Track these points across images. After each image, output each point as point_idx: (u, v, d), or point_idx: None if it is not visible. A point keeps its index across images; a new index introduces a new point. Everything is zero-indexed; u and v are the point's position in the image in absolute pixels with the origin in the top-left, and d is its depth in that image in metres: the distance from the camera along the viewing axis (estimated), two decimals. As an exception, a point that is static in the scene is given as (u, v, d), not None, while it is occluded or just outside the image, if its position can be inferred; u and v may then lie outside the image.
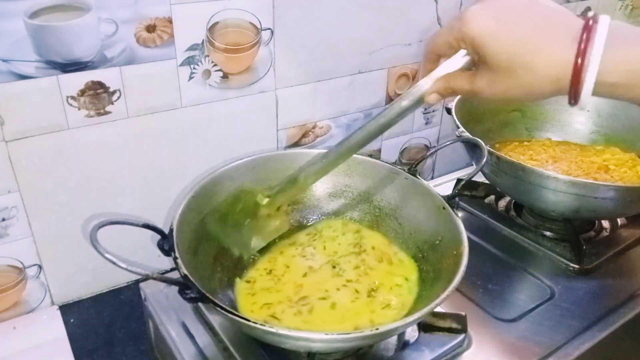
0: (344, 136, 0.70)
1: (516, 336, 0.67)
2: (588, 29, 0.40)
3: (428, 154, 0.81)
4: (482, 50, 0.44)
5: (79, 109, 0.65)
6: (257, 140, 0.81)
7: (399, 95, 0.96)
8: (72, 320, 0.74)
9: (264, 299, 0.64)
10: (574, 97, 0.42)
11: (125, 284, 0.78)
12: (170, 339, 0.66)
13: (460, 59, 0.48)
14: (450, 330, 0.65)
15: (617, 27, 0.41)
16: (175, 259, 0.55)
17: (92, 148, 0.68)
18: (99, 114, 0.67)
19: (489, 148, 0.73)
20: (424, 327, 0.65)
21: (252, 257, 0.71)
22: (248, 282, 0.67)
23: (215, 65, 0.73)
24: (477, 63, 0.47)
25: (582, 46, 0.40)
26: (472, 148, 0.81)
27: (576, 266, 0.79)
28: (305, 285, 0.66)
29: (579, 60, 0.40)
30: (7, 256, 0.68)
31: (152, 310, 0.71)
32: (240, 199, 0.67)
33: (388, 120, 0.55)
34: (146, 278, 0.49)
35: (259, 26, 0.74)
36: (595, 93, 0.41)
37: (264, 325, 0.50)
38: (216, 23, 0.70)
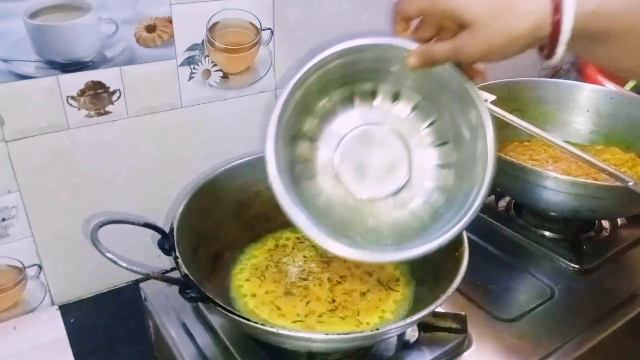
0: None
1: (516, 336, 0.67)
2: None
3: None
4: (457, 14, 0.45)
5: (79, 109, 0.65)
6: (257, 140, 0.81)
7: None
8: (72, 320, 0.74)
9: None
10: (554, 39, 0.44)
11: (125, 284, 0.78)
12: (170, 339, 0.66)
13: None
14: (450, 330, 0.65)
15: None
16: (175, 258, 0.55)
17: (92, 148, 0.68)
18: (99, 114, 0.67)
19: (489, 148, 0.73)
20: (424, 327, 0.65)
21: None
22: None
23: (215, 65, 0.73)
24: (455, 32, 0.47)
25: None
26: (472, 148, 0.81)
27: (576, 266, 0.79)
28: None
29: None
30: (7, 256, 0.68)
31: (152, 310, 0.71)
32: None
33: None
34: (146, 277, 0.49)
35: (259, 26, 0.74)
36: (575, 33, 0.43)
37: (264, 325, 0.50)
38: (216, 23, 0.70)
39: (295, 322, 0.62)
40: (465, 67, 0.51)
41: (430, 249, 0.52)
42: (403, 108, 0.58)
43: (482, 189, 0.52)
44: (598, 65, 0.47)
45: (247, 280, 0.68)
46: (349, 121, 0.58)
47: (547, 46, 0.45)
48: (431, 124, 0.58)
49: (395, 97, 0.58)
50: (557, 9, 0.43)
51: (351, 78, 0.56)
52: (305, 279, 0.68)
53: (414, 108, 0.58)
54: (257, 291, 0.66)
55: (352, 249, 0.51)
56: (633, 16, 0.43)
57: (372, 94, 0.58)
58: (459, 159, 0.57)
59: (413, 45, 0.50)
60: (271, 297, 0.65)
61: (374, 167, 0.58)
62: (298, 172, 0.58)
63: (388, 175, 0.58)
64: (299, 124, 0.57)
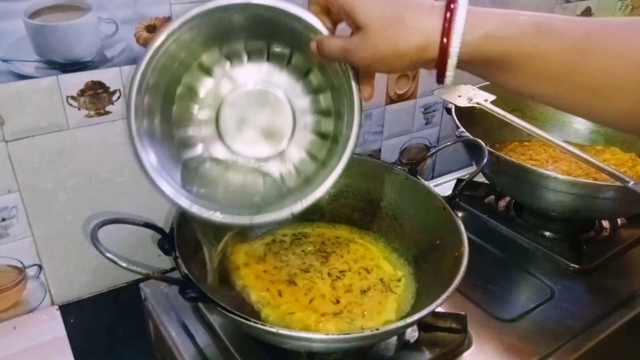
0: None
1: (516, 336, 0.67)
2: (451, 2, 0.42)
3: (428, 154, 0.81)
4: (353, 14, 0.45)
5: (79, 109, 0.65)
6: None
7: (399, 95, 0.96)
8: (72, 320, 0.74)
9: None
10: (442, 63, 0.43)
11: (125, 284, 0.78)
12: (170, 339, 0.66)
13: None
14: (450, 330, 0.65)
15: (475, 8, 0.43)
16: (175, 258, 0.55)
17: (92, 148, 0.68)
18: (99, 114, 0.67)
19: (489, 148, 0.73)
20: (424, 327, 0.65)
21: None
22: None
23: (215, 65, 0.73)
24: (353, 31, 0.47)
25: (448, 14, 0.42)
26: (473, 148, 0.81)
27: (576, 266, 0.79)
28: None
29: (447, 15, 0.42)
30: (7, 256, 0.68)
31: (152, 310, 0.71)
32: None
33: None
34: (146, 277, 0.49)
35: (259, 26, 0.74)
36: (467, 57, 0.42)
37: (264, 325, 0.50)
38: (216, 23, 0.70)
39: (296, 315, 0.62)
40: (360, 72, 0.51)
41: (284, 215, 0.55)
42: (300, 80, 0.58)
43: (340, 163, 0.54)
44: (507, 90, 0.46)
45: (246, 265, 0.67)
46: (247, 76, 0.58)
47: (437, 69, 0.44)
48: (316, 96, 0.59)
49: (303, 71, 0.58)
50: (446, 32, 0.42)
51: (261, 34, 0.56)
52: (306, 271, 0.68)
53: (315, 89, 0.58)
54: (258, 274, 0.66)
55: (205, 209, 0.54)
56: (533, 41, 0.41)
57: (280, 58, 0.58)
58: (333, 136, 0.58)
59: (322, 29, 0.49)
60: (271, 279, 0.65)
61: (257, 126, 0.59)
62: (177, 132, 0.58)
63: (266, 140, 0.59)
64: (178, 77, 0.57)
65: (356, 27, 0.46)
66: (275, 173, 0.60)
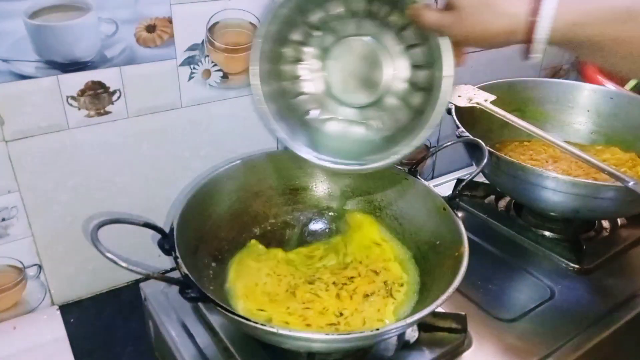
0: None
1: (516, 336, 0.67)
2: None
3: (428, 154, 0.81)
4: None
5: (79, 109, 0.65)
6: (257, 140, 0.81)
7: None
8: (72, 320, 0.74)
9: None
10: (528, 47, 0.46)
11: (125, 284, 0.78)
12: (170, 339, 0.66)
13: None
14: (450, 330, 0.65)
15: None
16: (175, 258, 0.55)
17: (92, 148, 0.68)
18: (99, 114, 0.67)
19: (489, 148, 0.73)
20: (424, 327, 0.65)
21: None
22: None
23: (215, 65, 0.73)
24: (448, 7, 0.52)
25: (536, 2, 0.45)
26: (473, 148, 0.81)
27: (576, 266, 0.79)
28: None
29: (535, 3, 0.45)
30: (7, 256, 0.68)
31: (152, 310, 0.71)
32: None
33: None
34: (146, 277, 0.49)
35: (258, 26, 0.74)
36: (551, 36, 0.45)
37: (264, 325, 0.50)
38: (216, 23, 0.70)
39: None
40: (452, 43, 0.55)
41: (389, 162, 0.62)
42: (397, 34, 0.63)
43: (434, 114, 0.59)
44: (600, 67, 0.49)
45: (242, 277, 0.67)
46: (348, 30, 0.65)
47: (524, 50, 0.47)
48: (412, 49, 0.64)
49: (400, 26, 0.62)
50: (533, 20, 0.44)
51: None
52: (311, 283, 0.67)
53: (410, 44, 0.63)
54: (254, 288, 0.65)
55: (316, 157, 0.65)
56: (625, 26, 0.43)
57: (379, 15, 0.63)
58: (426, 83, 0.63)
59: None
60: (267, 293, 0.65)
61: (358, 75, 0.67)
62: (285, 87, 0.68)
63: (366, 88, 0.67)
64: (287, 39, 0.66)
65: (450, 5, 0.50)
66: (374, 120, 0.68)
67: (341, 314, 0.62)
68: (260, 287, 0.65)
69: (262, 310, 0.61)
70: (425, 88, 0.63)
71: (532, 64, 0.49)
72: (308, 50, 0.67)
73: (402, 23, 0.62)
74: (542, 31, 0.45)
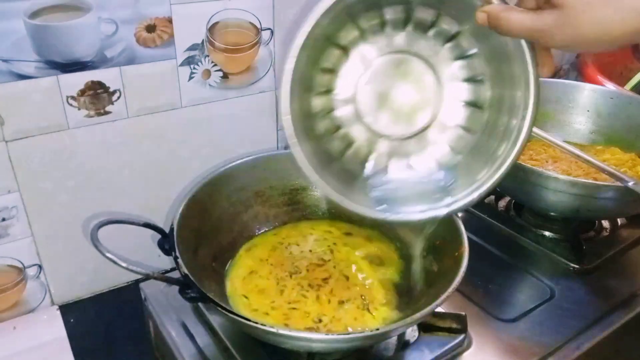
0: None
1: (516, 336, 0.67)
2: None
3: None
4: None
5: (79, 109, 0.65)
6: (257, 140, 0.81)
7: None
8: (72, 320, 0.74)
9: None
10: None
11: (125, 284, 0.78)
12: (170, 339, 0.66)
13: None
14: (450, 330, 0.65)
15: None
16: (175, 258, 0.55)
17: (92, 148, 0.68)
18: (99, 114, 0.67)
19: (489, 148, 0.73)
20: (424, 327, 0.65)
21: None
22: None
23: (215, 65, 0.73)
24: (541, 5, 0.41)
25: None
26: (472, 148, 0.81)
27: (576, 266, 0.79)
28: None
29: None
30: (7, 256, 0.68)
31: (152, 310, 0.71)
32: None
33: None
34: (146, 277, 0.49)
35: (259, 26, 0.74)
36: None
37: (264, 325, 0.50)
38: (216, 23, 0.70)
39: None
40: (538, 49, 0.44)
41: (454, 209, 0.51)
42: (451, 51, 0.51)
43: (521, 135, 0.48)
44: None
45: (244, 278, 0.68)
46: (385, 45, 0.51)
47: None
48: (473, 80, 0.52)
49: (448, 37, 0.50)
50: None
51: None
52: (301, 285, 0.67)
53: (463, 57, 0.51)
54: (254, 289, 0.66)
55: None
56: None
57: (421, 23, 0.50)
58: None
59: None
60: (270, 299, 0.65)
61: (398, 101, 0.52)
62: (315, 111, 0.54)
63: (409, 116, 0.53)
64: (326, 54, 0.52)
65: (550, 3, 0.39)
66: (428, 154, 0.54)
67: (320, 320, 0.62)
68: (255, 278, 0.67)
69: (246, 297, 0.63)
70: (491, 106, 0.51)
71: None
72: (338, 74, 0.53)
73: (453, 29, 0.49)
74: None
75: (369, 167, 0.55)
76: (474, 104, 0.52)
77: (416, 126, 0.53)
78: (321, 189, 0.51)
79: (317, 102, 0.53)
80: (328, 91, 0.53)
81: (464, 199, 0.51)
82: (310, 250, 0.72)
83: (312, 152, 0.51)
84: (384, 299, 0.65)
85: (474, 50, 0.50)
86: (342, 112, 0.54)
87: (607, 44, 0.38)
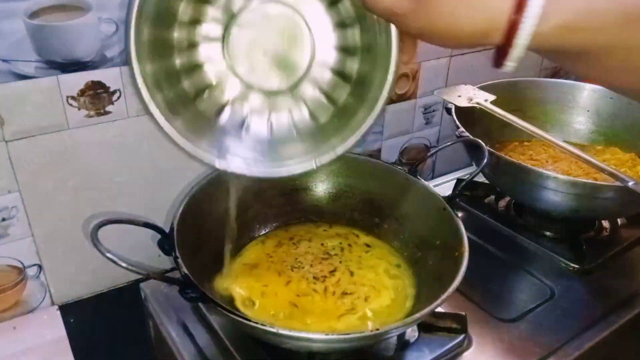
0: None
1: (516, 336, 0.67)
2: None
3: (428, 154, 0.81)
4: None
5: (79, 109, 0.65)
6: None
7: (399, 95, 0.96)
8: (72, 320, 0.74)
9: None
10: (504, 52, 0.37)
11: (126, 284, 0.78)
12: (170, 339, 0.66)
13: None
14: (450, 330, 0.65)
15: None
16: (176, 258, 0.55)
17: (92, 148, 0.68)
18: (99, 114, 0.67)
19: (489, 148, 0.73)
20: (424, 327, 0.65)
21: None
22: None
23: (215, 65, 0.73)
24: None
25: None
26: (473, 148, 0.81)
27: (576, 266, 0.79)
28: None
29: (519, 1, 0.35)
30: (7, 256, 0.68)
31: (152, 310, 0.71)
32: None
33: None
34: (147, 277, 0.49)
35: (259, 26, 0.74)
36: (534, 41, 0.36)
37: (264, 325, 0.50)
38: (216, 23, 0.70)
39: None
40: (401, 34, 0.43)
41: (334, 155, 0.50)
42: (327, 8, 0.50)
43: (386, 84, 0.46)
44: (580, 77, 0.39)
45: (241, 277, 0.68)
46: None
47: (496, 55, 0.38)
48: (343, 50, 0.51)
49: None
50: (515, 21, 0.35)
51: None
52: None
53: (342, 23, 0.50)
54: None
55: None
56: (619, 33, 0.35)
57: None
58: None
59: None
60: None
61: (269, 53, 0.51)
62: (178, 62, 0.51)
63: (279, 70, 0.52)
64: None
65: None
66: (285, 111, 0.54)
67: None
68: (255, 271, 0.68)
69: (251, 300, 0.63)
70: (355, 82, 0.51)
71: (506, 71, 0.39)
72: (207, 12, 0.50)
73: None
74: (525, 34, 0.35)
75: (225, 115, 0.54)
76: (340, 73, 0.52)
77: (280, 84, 0.52)
78: (159, 122, 0.49)
79: (178, 34, 0.50)
80: (192, 24, 0.50)
81: (300, 164, 0.51)
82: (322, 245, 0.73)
83: (157, 80, 0.48)
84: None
85: (349, 20, 0.49)
86: (205, 50, 0.52)
87: (453, 39, 0.38)
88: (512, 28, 0.36)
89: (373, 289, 0.66)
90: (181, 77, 0.51)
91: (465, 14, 0.36)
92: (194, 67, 0.52)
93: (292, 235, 0.75)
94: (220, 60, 0.52)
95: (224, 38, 0.51)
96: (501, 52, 0.37)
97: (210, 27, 0.50)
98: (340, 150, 0.50)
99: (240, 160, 0.52)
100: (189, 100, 0.52)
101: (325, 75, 0.52)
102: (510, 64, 0.38)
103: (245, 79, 0.52)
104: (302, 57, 0.51)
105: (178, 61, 0.51)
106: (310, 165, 0.51)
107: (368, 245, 0.74)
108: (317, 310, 0.63)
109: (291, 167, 0.52)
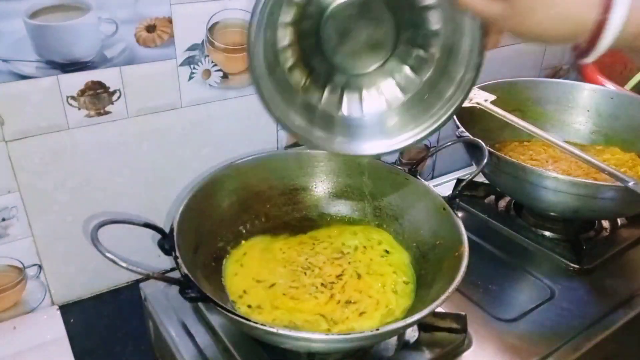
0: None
1: (516, 336, 0.67)
2: None
3: (429, 154, 0.81)
4: None
5: (79, 109, 0.65)
6: (257, 140, 0.81)
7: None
8: (72, 320, 0.74)
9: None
10: (595, 36, 0.41)
11: (126, 284, 0.78)
12: (170, 339, 0.66)
13: None
14: (450, 330, 0.65)
15: None
16: (175, 258, 0.55)
17: (92, 148, 0.68)
18: (99, 114, 0.67)
19: (489, 148, 0.73)
20: (424, 327, 0.65)
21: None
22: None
23: (215, 65, 0.73)
24: None
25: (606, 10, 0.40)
26: (473, 148, 0.81)
27: (576, 266, 0.79)
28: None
29: (605, 11, 0.40)
30: (7, 256, 0.68)
31: (152, 310, 0.71)
32: None
33: None
34: (147, 277, 0.49)
35: (259, 26, 0.74)
36: (615, 43, 0.41)
37: (264, 325, 0.50)
38: (216, 23, 0.70)
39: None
40: (490, 30, 0.50)
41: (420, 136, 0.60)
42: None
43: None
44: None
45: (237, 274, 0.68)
46: None
47: (580, 52, 0.43)
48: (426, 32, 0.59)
49: None
50: (599, 29, 0.40)
51: None
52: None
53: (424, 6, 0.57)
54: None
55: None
56: None
57: None
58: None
59: None
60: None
61: (358, 38, 0.59)
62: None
63: (369, 53, 0.60)
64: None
65: None
66: (377, 90, 0.62)
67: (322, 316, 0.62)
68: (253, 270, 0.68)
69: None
70: (438, 58, 0.58)
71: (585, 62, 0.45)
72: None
73: None
74: (608, 39, 0.40)
75: (325, 99, 0.62)
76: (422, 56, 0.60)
77: (372, 64, 0.61)
78: (284, 125, 0.60)
79: (282, 34, 0.58)
80: (293, 24, 0.58)
81: (401, 142, 0.62)
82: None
83: (274, 88, 0.59)
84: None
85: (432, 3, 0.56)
86: (304, 43, 0.59)
87: (541, 41, 0.44)
88: (595, 35, 0.41)
89: (376, 304, 0.64)
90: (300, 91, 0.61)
91: (553, 23, 0.42)
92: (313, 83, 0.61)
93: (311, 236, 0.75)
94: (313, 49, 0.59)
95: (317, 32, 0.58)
96: (582, 50, 0.43)
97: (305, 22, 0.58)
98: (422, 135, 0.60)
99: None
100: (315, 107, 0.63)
101: (411, 52, 0.60)
102: (589, 60, 0.43)
103: (339, 65, 0.60)
104: (388, 39, 0.59)
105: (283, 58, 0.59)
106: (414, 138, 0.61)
107: (387, 252, 0.72)
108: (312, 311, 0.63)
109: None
